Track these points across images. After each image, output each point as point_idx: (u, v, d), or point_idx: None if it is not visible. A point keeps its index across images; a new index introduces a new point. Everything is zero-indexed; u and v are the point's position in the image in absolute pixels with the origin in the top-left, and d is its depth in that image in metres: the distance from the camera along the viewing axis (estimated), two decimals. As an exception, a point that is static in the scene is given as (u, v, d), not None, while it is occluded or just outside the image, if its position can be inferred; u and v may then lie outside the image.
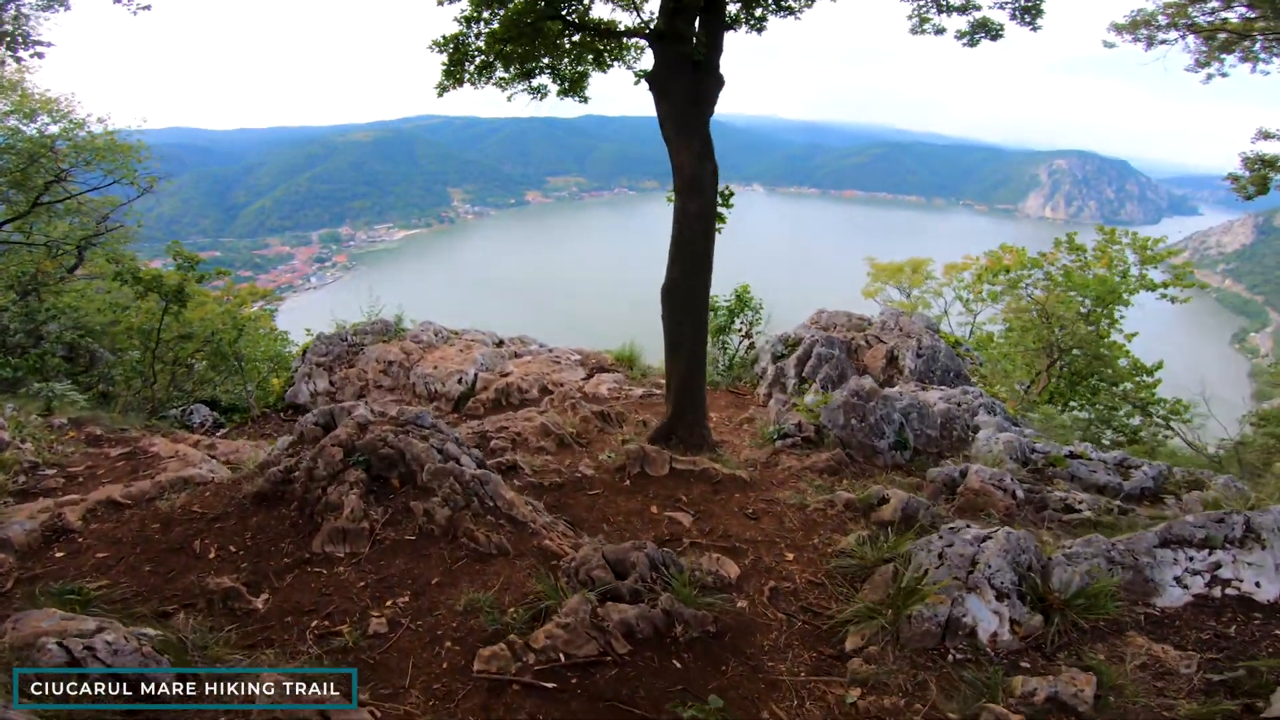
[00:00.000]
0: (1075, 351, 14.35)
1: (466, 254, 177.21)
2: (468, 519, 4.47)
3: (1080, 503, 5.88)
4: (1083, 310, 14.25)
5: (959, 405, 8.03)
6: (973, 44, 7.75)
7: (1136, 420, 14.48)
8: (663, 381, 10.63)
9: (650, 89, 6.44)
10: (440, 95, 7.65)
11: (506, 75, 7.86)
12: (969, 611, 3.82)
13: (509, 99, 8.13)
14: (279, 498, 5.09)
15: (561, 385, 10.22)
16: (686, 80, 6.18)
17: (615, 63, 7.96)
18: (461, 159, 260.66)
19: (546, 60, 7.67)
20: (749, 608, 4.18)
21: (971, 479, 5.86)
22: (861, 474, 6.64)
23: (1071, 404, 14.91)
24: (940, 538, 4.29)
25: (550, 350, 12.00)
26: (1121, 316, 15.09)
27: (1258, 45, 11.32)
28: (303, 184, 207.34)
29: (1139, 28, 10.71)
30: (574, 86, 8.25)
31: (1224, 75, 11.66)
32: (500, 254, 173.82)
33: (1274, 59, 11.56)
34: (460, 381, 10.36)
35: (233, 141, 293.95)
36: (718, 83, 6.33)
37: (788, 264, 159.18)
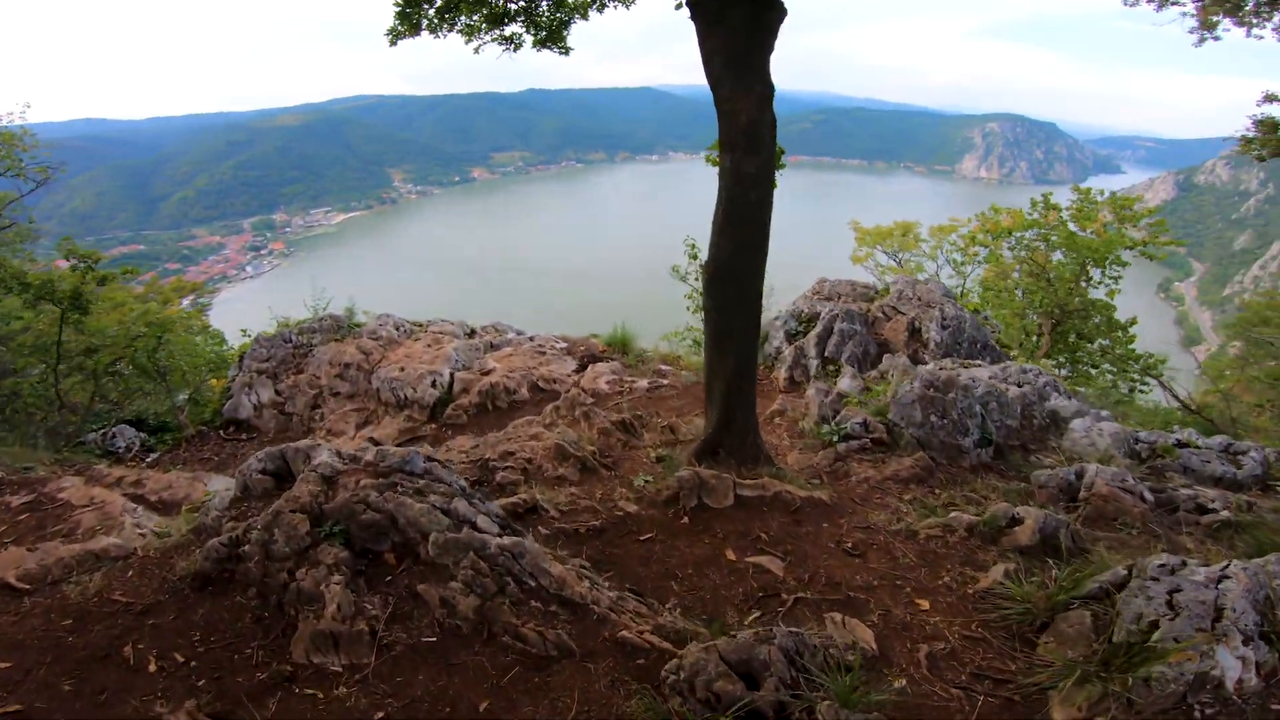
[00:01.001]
0: (1077, 311, 13.80)
1: (413, 234, 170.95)
2: (505, 609, 3.17)
3: (1212, 501, 4.98)
4: (1088, 271, 13.69)
5: (1030, 388, 7.08)
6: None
7: (1110, 376, 14.18)
8: (665, 368, 9.40)
9: (694, 17, 5.04)
10: (393, 43, 6.25)
11: (473, 21, 6.37)
12: (1218, 664, 2.92)
13: (476, 50, 6.68)
14: (228, 580, 3.71)
15: (554, 381, 8.86)
16: (745, 5, 4.83)
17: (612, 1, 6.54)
18: (399, 139, 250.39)
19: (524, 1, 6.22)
20: (909, 686, 3.09)
21: (1097, 483, 4.89)
22: (951, 481, 5.58)
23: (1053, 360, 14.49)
24: (1156, 580, 3.27)
25: (532, 339, 10.57)
26: (1118, 276, 14.61)
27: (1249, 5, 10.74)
28: (227, 171, 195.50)
29: None
30: (553, 35, 6.84)
31: (1216, 39, 11.19)
32: (450, 233, 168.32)
33: (1266, 24, 11.03)
34: (435, 384, 8.87)
35: (148, 131, 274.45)
36: (781, 11, 5.00)
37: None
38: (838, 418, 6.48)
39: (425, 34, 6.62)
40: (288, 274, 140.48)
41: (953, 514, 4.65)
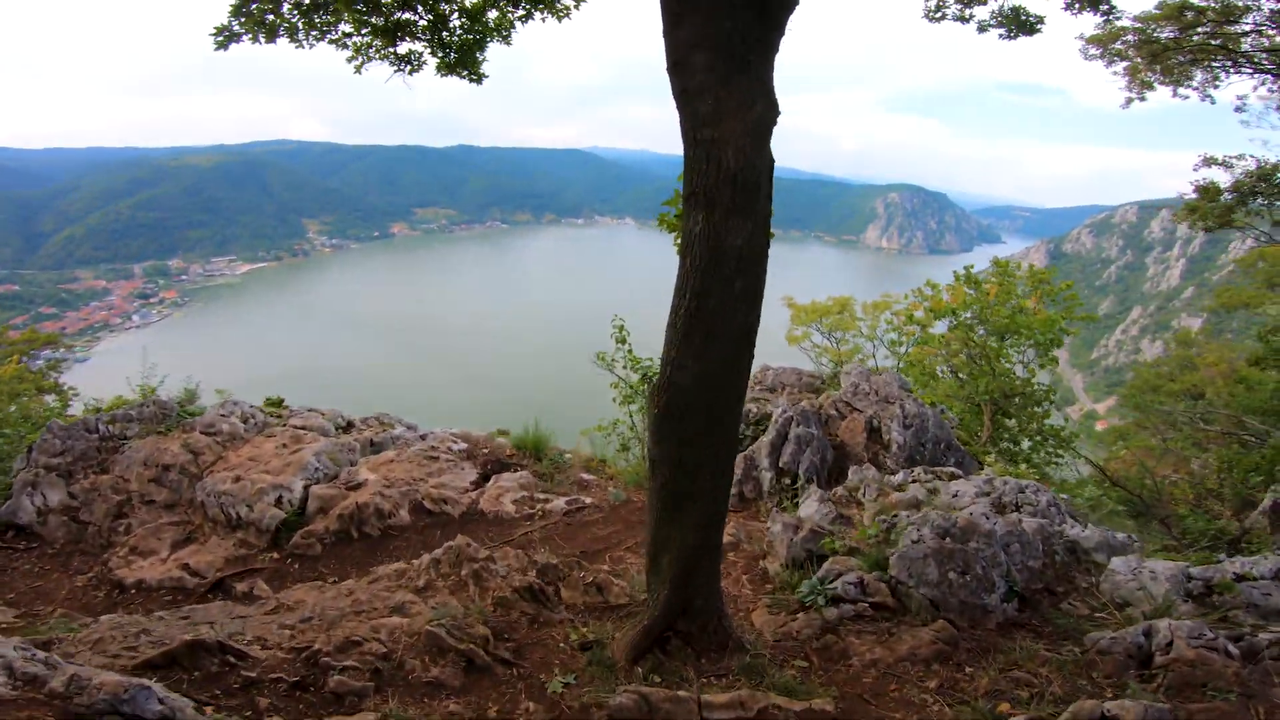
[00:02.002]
0: (1016, 397, 13.26)
1: (322, 290, 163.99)
2: None
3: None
4: (1028, 351, 13.28)
5: (1039, 514, 5.87)
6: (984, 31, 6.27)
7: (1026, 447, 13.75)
8: (587, 478, 7.71)
9: None
10: (223, 45, 4.49)
11: (352, 30, 4.80)
12: None
13: (357, 69, 5.07)
14: None
15: (445, 502, 6.91)
16: None
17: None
18: (321, 187, 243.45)
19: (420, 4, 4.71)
20: None
21: (1177, 644, 3.78)
22: (981, 651, 4.19)
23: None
24: None
25: (423, 437, 8.58)
26: (1053, 356, 14.33)
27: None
28: (124, 210, 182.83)
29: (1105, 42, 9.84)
30: (463, 59, 5.35)
31: (1142, 99, 11.44)
32: (362, 290, 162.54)
33: (1189, 84, 11.31)
34: (281, 501, 6.72)
35: (42, 161, 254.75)
36: None
37: (666, 296, 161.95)
38: (821, 572, 4.97)
39: (284, 39, 4.98)
40: (178, 325, 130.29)
41: (1002, 707, 3.23)
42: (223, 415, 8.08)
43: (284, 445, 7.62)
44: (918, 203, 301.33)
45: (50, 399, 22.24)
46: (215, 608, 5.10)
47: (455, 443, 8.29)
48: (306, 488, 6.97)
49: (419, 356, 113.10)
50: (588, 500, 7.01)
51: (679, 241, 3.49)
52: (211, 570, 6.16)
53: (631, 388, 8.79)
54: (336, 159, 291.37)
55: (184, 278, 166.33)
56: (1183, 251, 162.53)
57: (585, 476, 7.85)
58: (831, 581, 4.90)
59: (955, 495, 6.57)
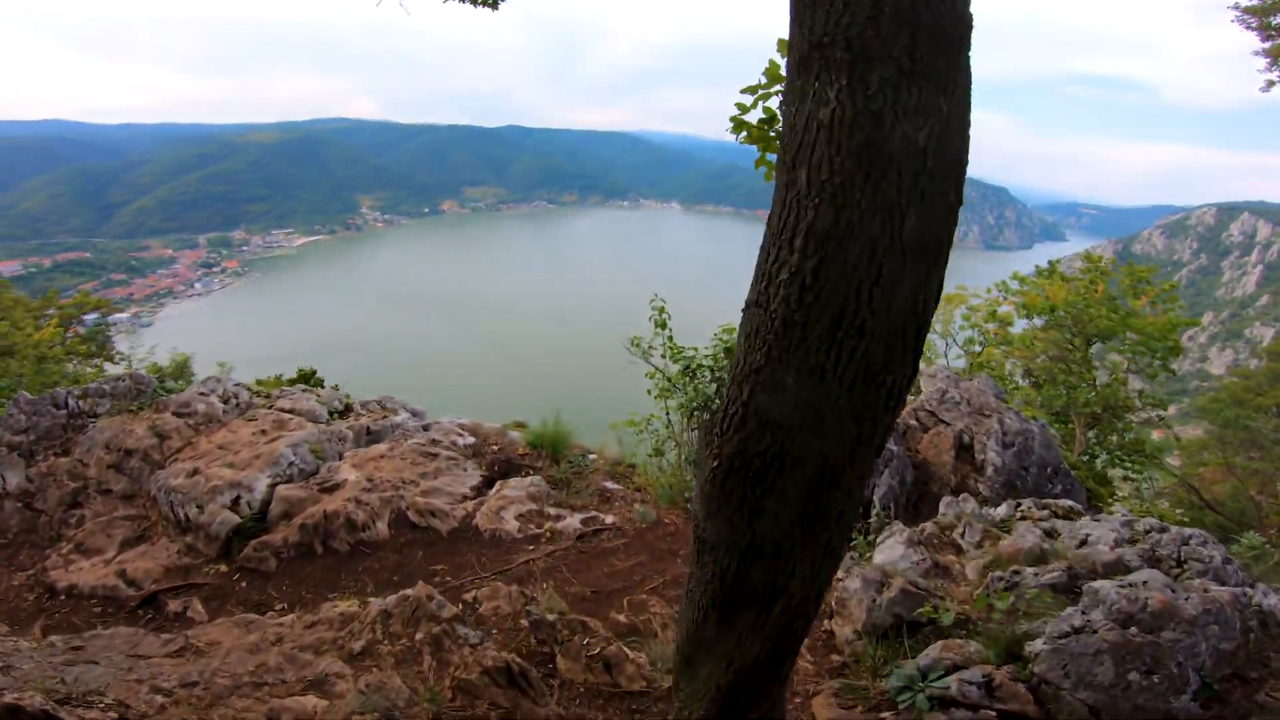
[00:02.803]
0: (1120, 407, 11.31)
1: (373, 263, 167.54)
2: None
3: None
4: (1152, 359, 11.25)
5: (1224, 578, 4.26)
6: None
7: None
8: (611, 487, 6.36)
9: None
10: None
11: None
12: None
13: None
14: None
15: (434, 514, 5.63)
16: None
17: None
18: (374, 165, 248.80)
19: None
20: None
21: None
22: None
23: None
24: None
25: (426, 427, 7.32)
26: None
27: None
28: (191, 183, 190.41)
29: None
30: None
31: None
32: (410, 264, 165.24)
33: None
34: (237, 503, 5.59)
35: (117, 137, 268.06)
36: None
37: (712, 283, 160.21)
38: (924, 660, 3.52)
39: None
40: (238, 294, 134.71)
41: None
42: (201, 394, 7.05)
43: (262, 432, 6.51)
44: (974, 196, 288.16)
45: (97, 364, 22.07)
46: (122, 636, 4.03)
47: (461, 436, 7.03)
48: (272, 486, 5.82)
49: (458, 331, 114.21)
50: (608, 519, 5.67)
51: (773, 158, 1.92)
52: (148, 581, 5.11)
53: (670, 380, 7.40)
54: (390, 137, 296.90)
55: (245, 249, 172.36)
56: (1261, 257, 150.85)
57: (609, 486, 6.50)
58: (941, 676, 3.43)
59: (1086, 542, 5.00)
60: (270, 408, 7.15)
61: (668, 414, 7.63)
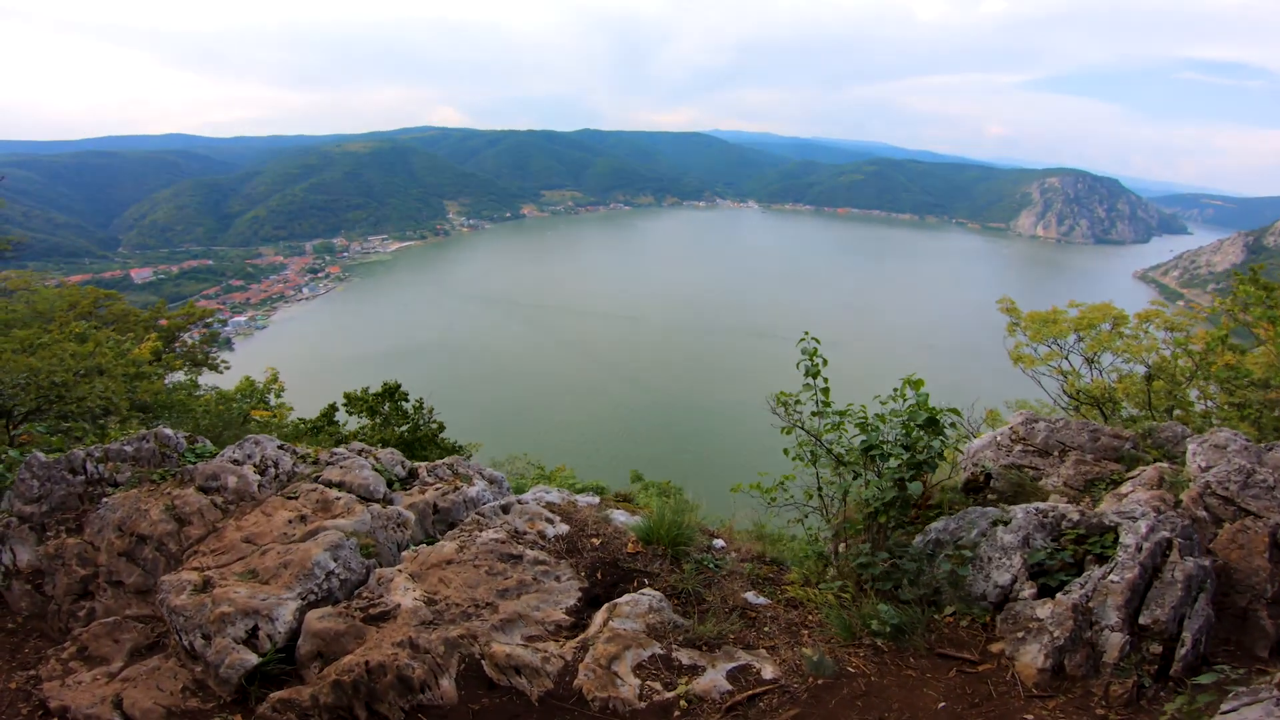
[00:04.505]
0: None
1: (460, 267, 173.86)
2: None
3: None
4: None
5: None
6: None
7: None
8: (757, 601, 4.71)
9: None
10: None
11: None
12: None
13: None
14: None
15: (517, 670, 4.02)
16: None
17: None
18: (458, 171, 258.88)
19: None
20: None
21: None
22: None
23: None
24: None
25: (505, 509, 5.84)
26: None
27: None
28: (298, 194, 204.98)
29: None
30: None
31: None
32: (494, 268, 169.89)
33: None
34: (255, 635, 4.25)
35: (231, 149, 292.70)
36: None
37: (790, 282, 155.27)
38: None
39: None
40: (339, 297, 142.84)
41: None
42: (234, 463, 5.82)
43: (301, 518, 5.25)
44: (1082, 187, 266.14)
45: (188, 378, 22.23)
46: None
47: (550, 523, 5.55)
48: (302, 611, 4.42)
49: (540, 335, 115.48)
50: (766, 671, 4.01)
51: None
52: (147, 723, 3.88)
53: (825, 446, 5.54)
54: (472, 144, 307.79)
55: (345, 255, 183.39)
56: None
57: (752, 600, 4.85)
58: None
59: None
60: (316, 480, 5.95)
61: (819, 485, 5.83)
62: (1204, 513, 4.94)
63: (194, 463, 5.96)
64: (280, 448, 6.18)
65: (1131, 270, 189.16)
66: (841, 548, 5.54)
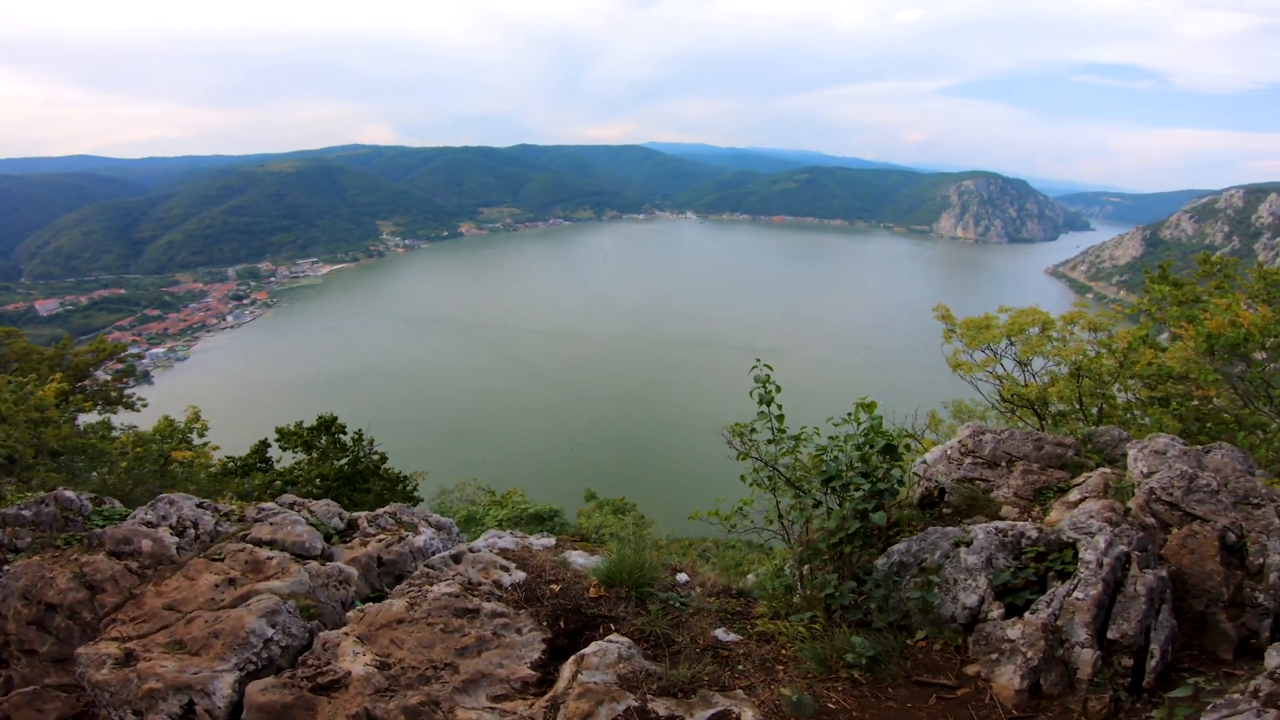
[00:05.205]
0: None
1: (397, 289, 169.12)
2: None
3: None
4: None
5: None
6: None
7: None
8: (728, 638, 4.58)
9: None
10: None
11: None
12: None
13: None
14: None
15: None
16: None
17: None
18: (391, 190, 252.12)
19: None
20: None
21: None
22: None
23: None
24: None
25: (456, 558, 5.37)
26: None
27: None
28: (218, 216, 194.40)
29: None
30: None
31: None
32: (433, 289, 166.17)
33: None
34: (191, 712, 3.76)
35: (141, 171, 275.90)
36: None
37: (732, 291, 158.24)
38: None
39: None
40: (268, 325, 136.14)
41: None
42: (147, 525, 5.30)
43: (230, 581, 4.80)
44: (994, 189, 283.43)
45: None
46: None
47: (506, 571, 5.22)
48: (241, 682, 3.98)
49: (485, 355, 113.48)
50: (746, 715, 3.84)
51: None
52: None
53: (783, 475, 5.44)
54: (405, 162, 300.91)
55: (272, 279, 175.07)
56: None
57: (723, 637, 4.70)
58: None
59: None
60: (243, 538, 5.38)
61: (779, 512, 5.74)
62: (1152, 519, 5.11)
63: (102, 526, 5.39)
64: (200, 505, 5.66)
65: (1043, 267, 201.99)
66: (806, 569, 5.46)
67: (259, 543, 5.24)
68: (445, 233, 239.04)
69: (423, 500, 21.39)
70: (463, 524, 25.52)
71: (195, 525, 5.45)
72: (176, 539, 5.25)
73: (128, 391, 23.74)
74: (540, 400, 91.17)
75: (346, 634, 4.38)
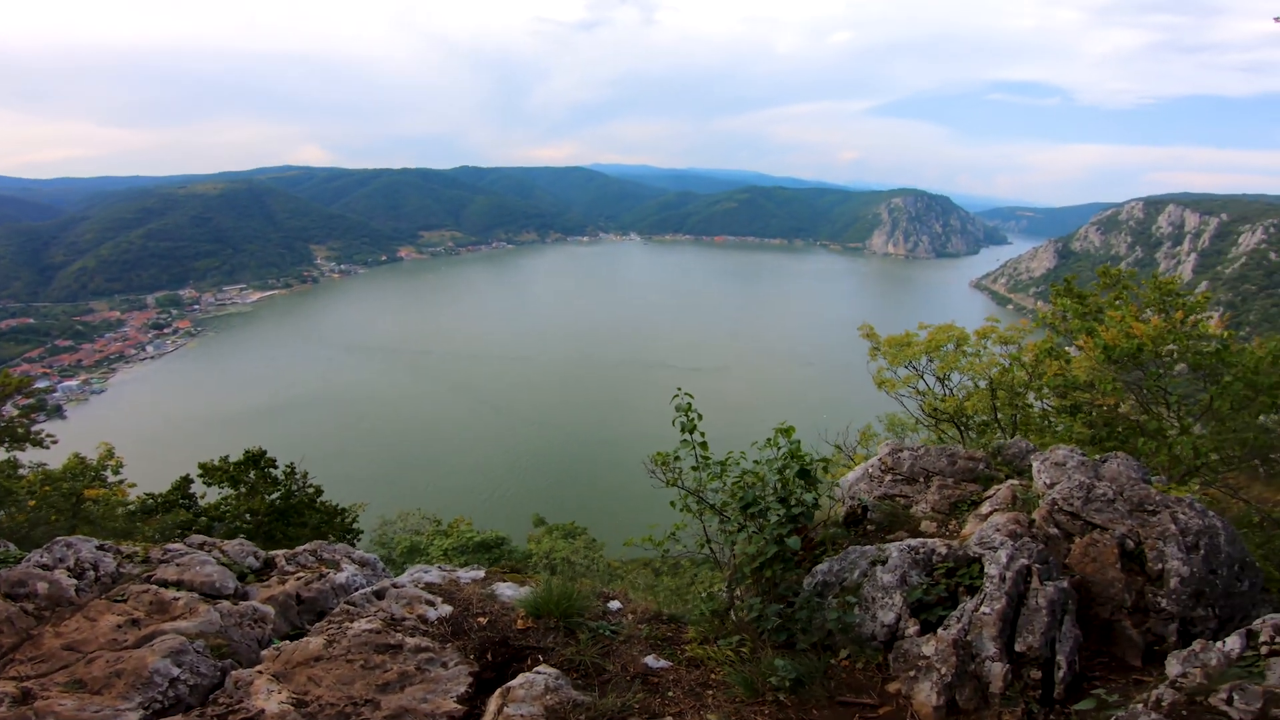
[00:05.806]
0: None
1: (333, 316, 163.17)
2: None
3: None
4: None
5: None
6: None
7: None
8: (658, 666, 4.58)
9: None
10: None
11: None
12: None
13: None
14: None
15: None
16: None
17: None
18: (325, 213, 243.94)
19: None
20: None
21: None
22: None
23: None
24: None
25: (379, 594, 5.23)
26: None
27: None
28: (135, 240, 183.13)
29: None
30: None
31: None
32: (370, 315, 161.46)
33: None
34: None
35: (51, 193, 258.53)
36: None
37: (677, 312, 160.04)
38: None
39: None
40: (192, 356, 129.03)
41: None
42: (42, 568, 5.03)
43: (133, 622, 4.55)
44: (921, 206, 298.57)
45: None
46: None
47: (432, 605, 5.13)
48: None
49: (428, 383, 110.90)
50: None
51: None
52: None
53: (707, 502, 5.54)
54: (340, 184, 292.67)
55: (196, 307, 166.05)
56: (1193, 246, 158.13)
57: (654, 665, 4.72)
58: None
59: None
60: (148, 579, 5.15)
61: (708, 537, 5.84)
62: (1055, 530, 5.41)
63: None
64: (100, 548, 5.35)
65: (968, 280, 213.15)
66: (739, 592, 5.56)
67: (165, 584, 4.98)
68: (384, 257, 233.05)
69: (363, 532, 20.59)
70: (406, 555, 24.62)
71: (95, 567, 5.13)
72: (75, 581, 4.93)
73: (35, 428, 22.15)
74: (488, 427, 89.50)
75: (260, 672, 4.20)
